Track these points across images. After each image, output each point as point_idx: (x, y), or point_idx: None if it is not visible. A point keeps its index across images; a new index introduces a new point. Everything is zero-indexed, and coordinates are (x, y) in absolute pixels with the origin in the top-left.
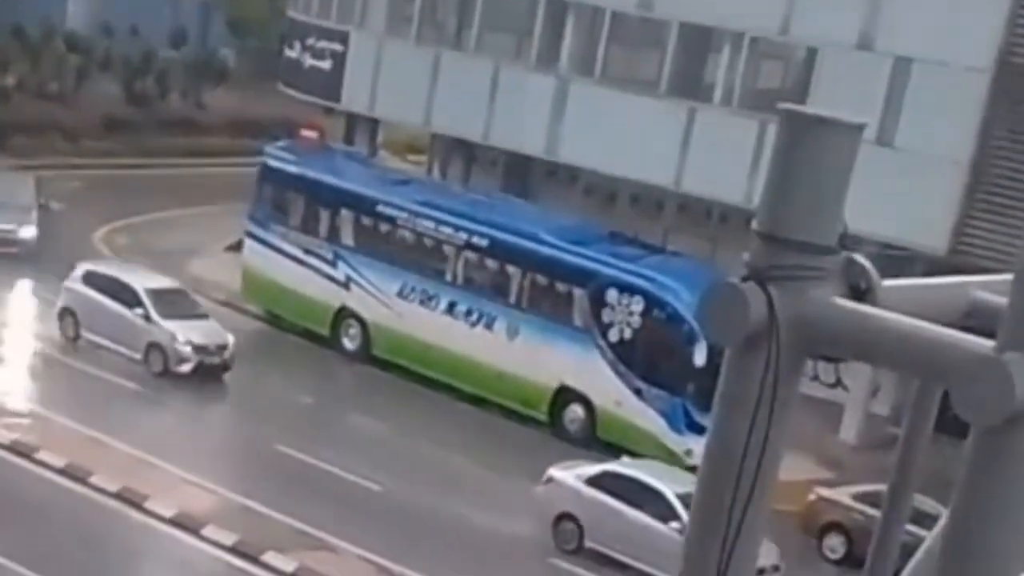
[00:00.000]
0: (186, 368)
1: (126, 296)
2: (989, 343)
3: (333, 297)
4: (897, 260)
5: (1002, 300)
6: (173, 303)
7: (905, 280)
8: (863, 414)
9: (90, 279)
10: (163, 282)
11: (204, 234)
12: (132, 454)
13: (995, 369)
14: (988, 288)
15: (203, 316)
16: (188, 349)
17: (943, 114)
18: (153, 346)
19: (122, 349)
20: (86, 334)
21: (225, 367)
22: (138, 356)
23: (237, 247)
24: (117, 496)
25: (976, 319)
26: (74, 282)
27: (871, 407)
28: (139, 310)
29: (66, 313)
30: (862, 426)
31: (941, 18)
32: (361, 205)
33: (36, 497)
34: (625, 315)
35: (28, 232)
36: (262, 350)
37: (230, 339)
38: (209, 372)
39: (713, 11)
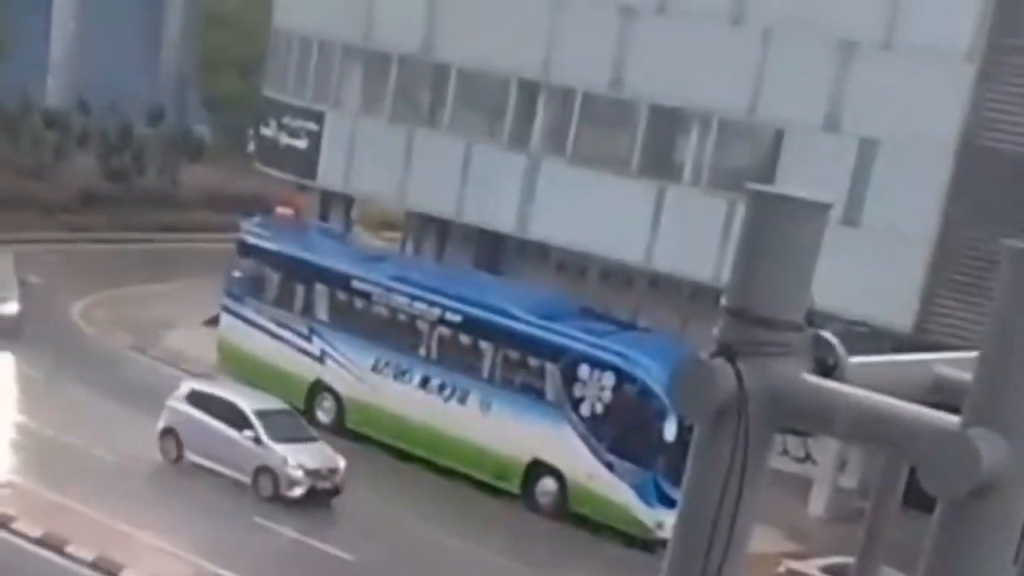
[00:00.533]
0: (297, 492)
1: (234, 417)
2: (954, 418)
3: (308, 371)
4: (863, 337)
5: (967, 376)
6: (283, 425)
7: (872, 357)
8: (831, 488)
9: (195, 399)
10: (272, 403)
11: (182, 308)
12: None
13: (961, 444)
14: (953, 365)
15: (313, 439)
16: (300, 473)
17: (908, 194)
18: (263, 470)
19: (229, 472)
20: (190, 455)
21: (336, 491)
22: (246, 480)
23: (215, 321)
24: None
25: (941, 395)
26: (177, 401)
27: (839, 481)
28: (248, 432)
29: (168, 433)
30: (830, 499)
31: (906, 100)
32: (336, 281)
33: None
34: (596, 390)
35: (10, 308)
36: None
37: (341, 462)
38: (320, 496)
39: (682, 92)
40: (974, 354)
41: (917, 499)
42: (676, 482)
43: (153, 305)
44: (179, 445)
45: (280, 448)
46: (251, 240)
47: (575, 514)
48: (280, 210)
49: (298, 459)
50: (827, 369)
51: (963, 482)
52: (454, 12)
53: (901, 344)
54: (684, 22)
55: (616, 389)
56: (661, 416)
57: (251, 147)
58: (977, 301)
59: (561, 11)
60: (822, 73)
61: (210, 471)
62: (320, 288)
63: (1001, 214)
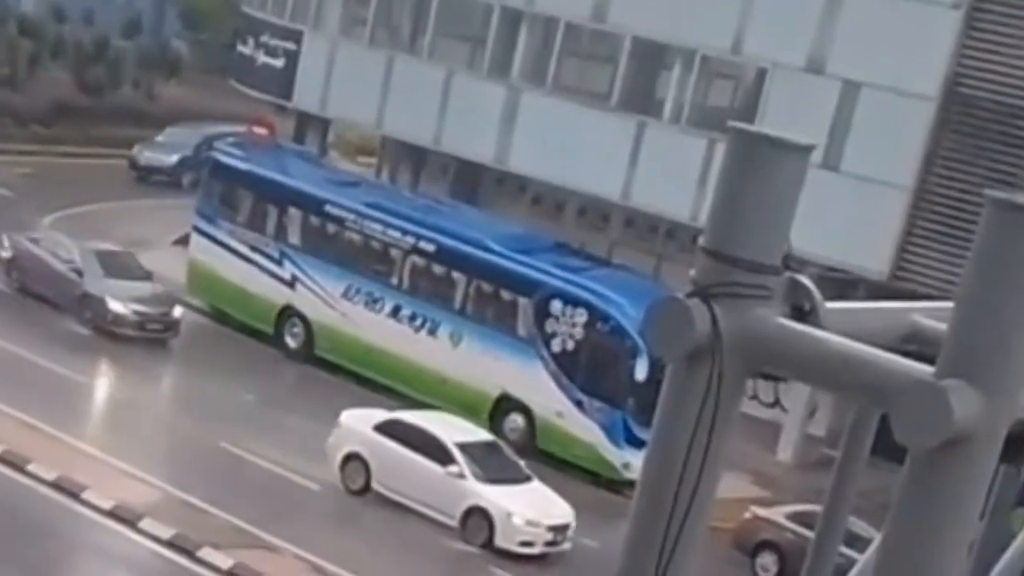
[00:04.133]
0: (524, 547)
1: (434, 451)
2: (928, 368)
3: (278, 295)
4: (839, 283)
5: (942, 327)
6: (493, 463)
7: (847, 303)
8: (800, 435)
9: (387, 427)
10: (478, 435)
11: (152, 227)
12: None
13: (934, 395)
14: (928, 314)
15: (526, 479)
16: (522, 522)
17: (889, 140)
18: (475, 511)
19: (430, 512)
20: (379, 488)
21: (554, 543)
22: (453, 523)
23: (185, 241)
24: None
25: (916, 344)
26: (362, 424)
27: (808, 428)
28: (453, 467)
29: (353, 459)
30: (799, 446)
31: (890, 46)
32: (309, 205)
33: None
34: (568, 327)
35: None
36: (205, 345)
37: (570, 514)
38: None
39: (666, 27)
40: (950, 304)
41: (886, 449)
42: (646, 423)
43: (124, 222)
44: (367, 473)
45: (491, 490)
46: (224, 160)
47: (542, 451)
48: (254, 130)
49: (516, 505)
50: (802, 314)
51: (935, 433)
52: None
53: (876, 291)
54: None
55: (588, 326)
56: (633, 355)
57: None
58: (954, 251)
59: None
60: (807, 14)
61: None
62: (293, 211)
63: (981, 164)
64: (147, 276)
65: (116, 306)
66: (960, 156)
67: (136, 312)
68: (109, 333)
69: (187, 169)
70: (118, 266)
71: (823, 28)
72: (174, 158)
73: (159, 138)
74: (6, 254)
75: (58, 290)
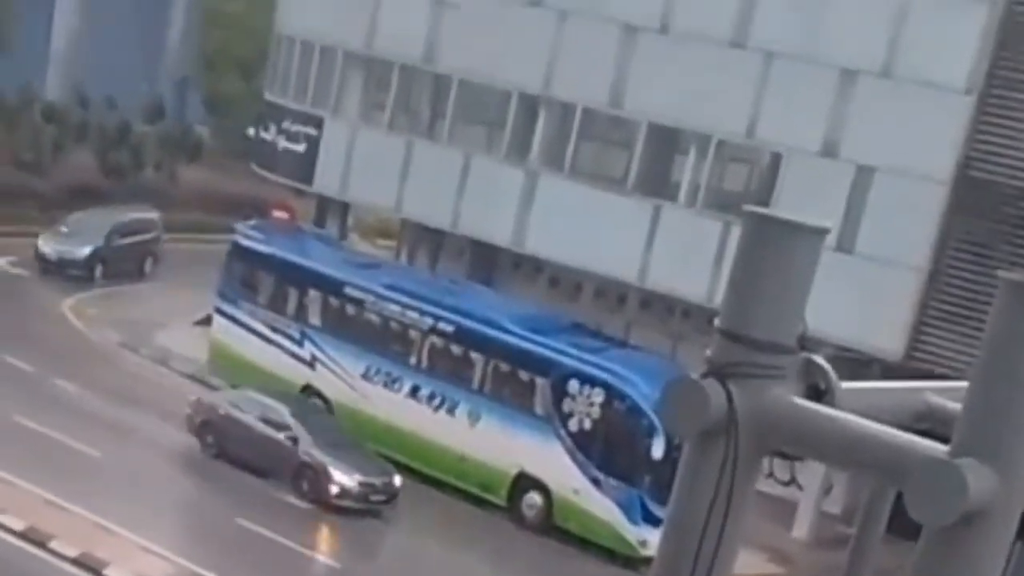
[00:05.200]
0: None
1: None
2: (943, 447)
3: (298, 375)
4: (854, 363)
5: (956, 406)
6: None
7: (862, 383)
8: (816, 512)
9: None
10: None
11: (173, 307)
12: None
13: (949, 473)
14: (942, 394)
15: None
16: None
17: (903, 223)
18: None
19: None
20: None
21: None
22: None
23: (206, 321)
24: None
25: (930, 424)
26: None
27: (824, 505)
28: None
29: None
30: (815, 524)
31: (903, 130)
32: (329, 286)
33: None
34: (586, 406)
35: None
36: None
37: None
38: None
39: (681, 113)
40: (964, 384)
41: (902, 526)
42: (662, 501)
43: (145, 303)
44: None
45: None
46: (245, 242)
47: (560, 528)
48: (276, 214)
49: None
50: (818, 394)
51: (950, 511)
52: (457, 23)
53: (891, 372)
54: (686, 42)
55: (605, 406)
56: (649, 434)
57: (245, 149)
58: (967, 331)
59: (564, 26)
60: (821, 99)
61: None
62: (313, 293)
63: (993, 246)
64: (356, 441)
65: (341, 478)
66: (973, 238)
67: (361, 483)
68: (327, 505)
69: (99, 261)
70: (329, 429)
71: (836, 113)
72: (85, 250)
73: (63, 227)
74: (201, 416)
75: (267, 457)
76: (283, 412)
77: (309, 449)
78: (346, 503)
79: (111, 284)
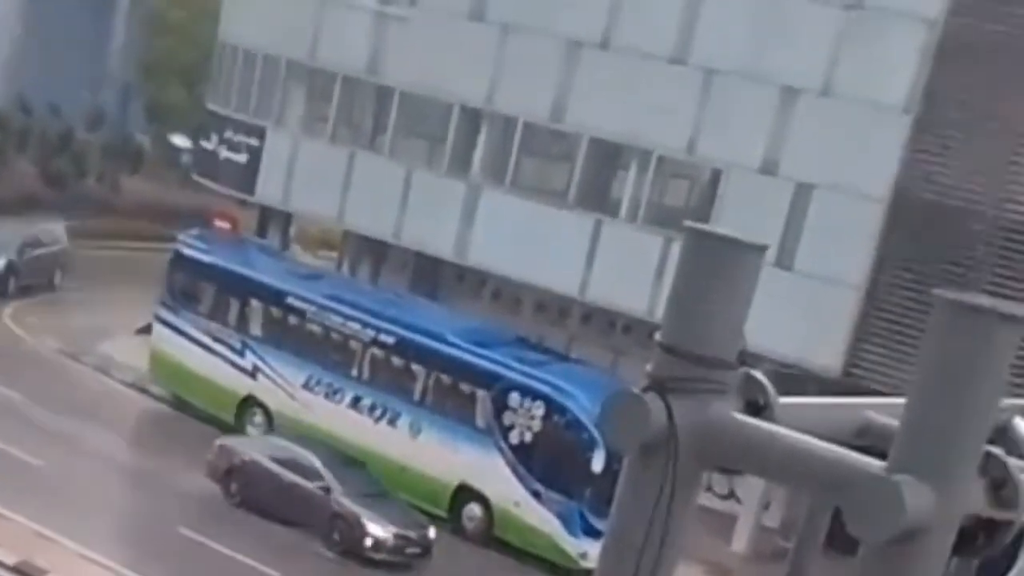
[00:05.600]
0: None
1: None
2: (881, 463)
3: (239, 385)
4: (793, 378)
5: (893, 422)
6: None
7: (801, 398)
8: (755, 526)
9: None
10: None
11: (115, 316)
12: None
13: (886, 488)
14: (880, 410)
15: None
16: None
17: (841, 240)
18: None
19: None
20: None
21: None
22: None
23: (147, 330)
24: None
25: (868, 439)
26: None
27: (763, 520)
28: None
29: None
30: (753, 537)
31: (843, 148)
32: (271, 297)
33: None
34: (526, 419)
35: None
36: (168, 433)
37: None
38: None
39: (622, 128)
40: (902, 400)
41: (840, 541)
42: (602, 514)
43: (87, 312)
44: None
45: None
46: (187, 252)
47: (500, 540)
48: (217, 223)
49: None
50: (757, 409)
51: (887, 527)
52: (400, 35)
53: (829, 387)
54: (627, 58)
55: (546, 419)
56: (590, 448)
57: (184, 158)
58: (904, 348)
59: (506, 40)
60: (762, 117)
61: None
62: (255, 303)
63: (930, 264)
64: (388, 492)
65: (375, 529)
66: (910, 256)
67: (396, 535)
68: (359, 557)
69: (12, 274)
70: (361, 479)
71: (776, 130)
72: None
73: None
74: (224, 463)
75: (296, 507)
76: (313, 460)
77: (341, 499)
78: (380, 556)
79: (25, 297)
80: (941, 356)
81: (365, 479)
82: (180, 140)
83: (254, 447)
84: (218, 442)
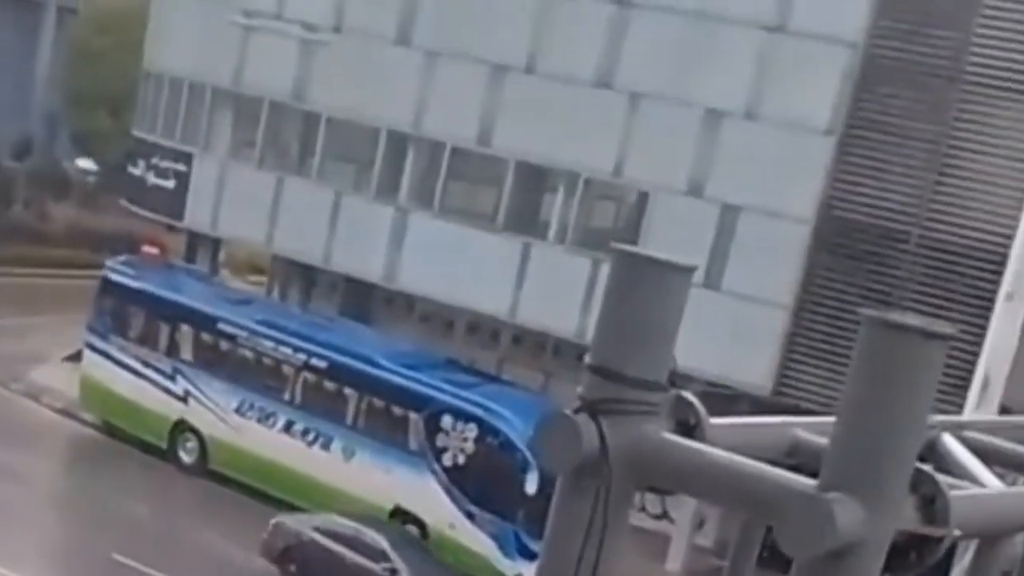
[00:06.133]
0: None
1: None
2: (811, 482)
3: (171, 410)
4: (723, 398)
5: (823, 441)
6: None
7: (731, 418)
8: (688, 546)
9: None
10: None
11: (44, 343)
12: None
13: (817, 506)
14: (810, 429)
15: None
16: None
17: (768, 260)
18: None
19: None
20: None
21: None
22: None
23: (77, 357)
24: None
25: (798, 458)
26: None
27: (696, 539)
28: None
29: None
30: (687, 557)
31: (767, 170)
32: (201, 322)
33: None
34: (459, 441)
35: None
36: (98, 459)
37: None
38: None
39: (549, 151)
40: (831, 419)
41: (773, 559)
42: (537, 535)
43: (16, 338)
44: None
45: None
46: (115, 278)
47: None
48: (146, 249)
49: None
50: (688, 429)
51: (819, 545)
52: (326, 61)
53: (759, 406)
54: (552, 82)
55: (479, 441)
56: (523, 469)
57: (91, 180)
58: (833, 367)
59: (432, 65)
60: (687, 139)
61: None
62: (185, 328)
63: (857, 283)
64: (449, 572)
65: None
66: (836, 276)
67: None
68: None
69: None
70: (429, 561)
71: (702, 153)
72: None
73: None
74: (282, 542)
75: None
76: (380, 540)
77: None
78: None
79: None
80: (869, 374)
81: (431, 562)
82: (85, 163)
83: (313, 525)
84: (274, 520)
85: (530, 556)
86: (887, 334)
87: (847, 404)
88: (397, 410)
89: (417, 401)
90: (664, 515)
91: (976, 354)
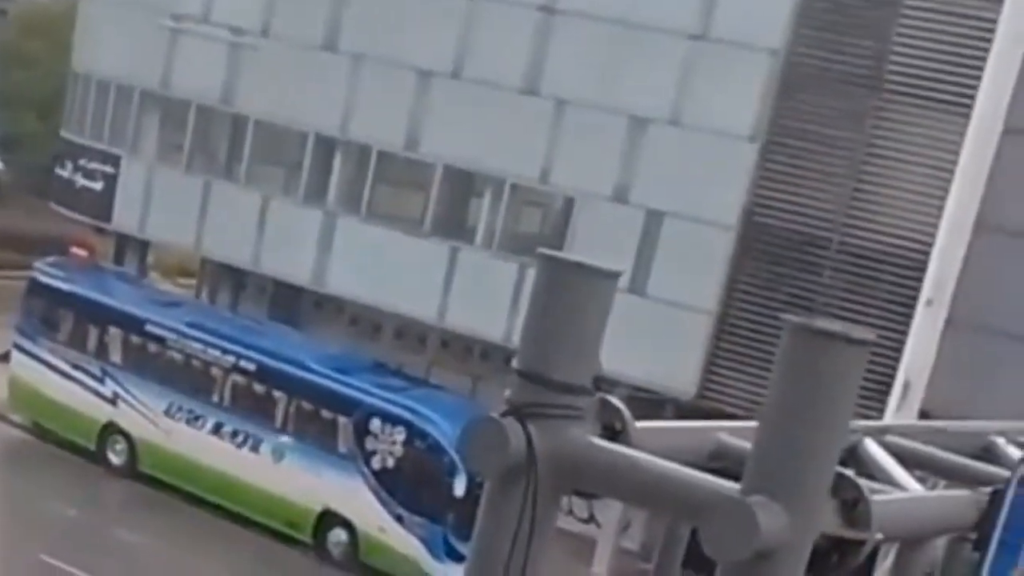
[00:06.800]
0: None
1: None
2: (735, 485)
3: (100, 412)
4: (648, 402)
5: (746, 445)
6: None
7: (656, 422)
8: (615, 549)
9: None
10: None
11: None
12: None
13: (740, 510)
14: (734, 433)
15: None
16: None
17: (692, 266)
18: None
19: None
20: None
21: None
22: None
23: (5, 358)
24: None
25: (722, 462)
26: None
27: (623, 542)
28: None
29: None
30: (613, 560)
31: (692, 176)
32: (129, 324)
33: None
34: (388, 444)
35: None
36: (27, 461)
37: None
38: None
39: (476, 156)
40: (754, 423)
41: (698, 562)
42: (466, 537)
43: None
44: None
45: None
46: (44, 279)
47: (366, 565)
48: (74, 251)
49: None
50: (614, 433)
51: (742, 548)
52: (253, 65)
53: (684, 411)
54: (478, 88)
55: (407, 444)
56: (451, 472)
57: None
58: (756, 371)
59: (359, 70)
60: (612, 145)
61: None
62: (114, 330)
63: (780, 289)
64: None
65: None
66: (760, 282)
67: None
68: None
69: None
70: None
71: (627, 159)
72: None
73: None
74: None
75: None
76: None
77: None
78: None
79: None
80: (791, 379)
81: None
82: None
83: None
84: None
85: (459, 558)
86: (809, 340)
87: (770, 409)
88: (326, 413)
89: (346, 404)
90: (591, 518)
91: (897, 359)
